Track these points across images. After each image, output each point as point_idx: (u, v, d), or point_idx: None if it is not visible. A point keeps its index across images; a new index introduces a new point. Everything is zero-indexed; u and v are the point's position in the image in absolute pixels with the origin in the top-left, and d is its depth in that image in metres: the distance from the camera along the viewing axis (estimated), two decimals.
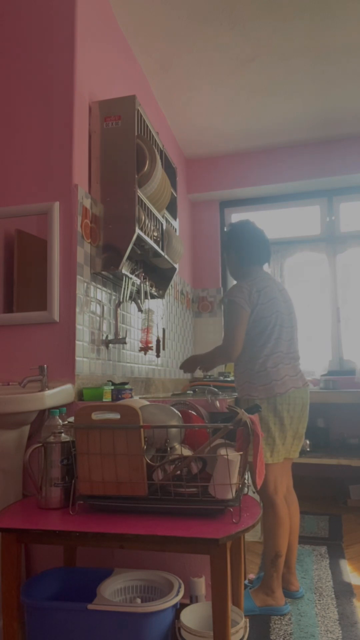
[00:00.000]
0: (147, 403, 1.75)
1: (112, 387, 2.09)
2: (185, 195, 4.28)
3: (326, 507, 3.56)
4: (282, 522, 2.04)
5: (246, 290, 2.07)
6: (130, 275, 2.44)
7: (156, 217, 2.55)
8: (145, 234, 2.35)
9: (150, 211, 2.46)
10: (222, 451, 1.46)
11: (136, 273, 2.58)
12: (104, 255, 2.25)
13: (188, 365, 2.30)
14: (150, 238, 2.43)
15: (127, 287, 2.51)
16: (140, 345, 2.65)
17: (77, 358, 2.08)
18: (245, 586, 2.12)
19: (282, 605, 2.02)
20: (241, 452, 1.49)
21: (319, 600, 2.11)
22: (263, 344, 2.07)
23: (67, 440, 1.64)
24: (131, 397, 2.09)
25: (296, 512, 2.20)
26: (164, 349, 3.02)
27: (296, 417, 2.09)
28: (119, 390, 2.07)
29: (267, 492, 2.06)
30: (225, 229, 2.22)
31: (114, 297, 2.51)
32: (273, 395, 2.03)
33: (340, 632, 1.85)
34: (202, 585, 1.82)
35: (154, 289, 2.84)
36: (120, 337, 2.50)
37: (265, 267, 2.30)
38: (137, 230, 2.22)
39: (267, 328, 2.07)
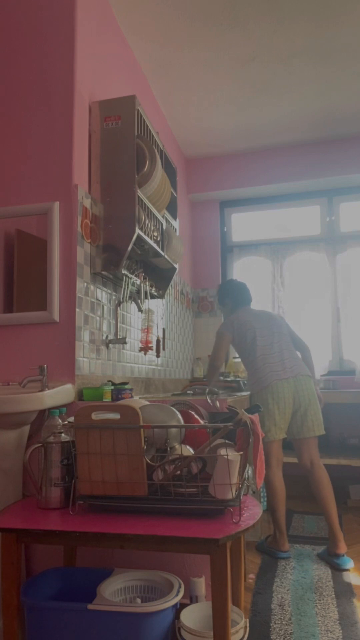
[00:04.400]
0: (147, 403, 1.75)
1: (112, 387, 2.08)
2: (185, 195, 4.28)
3: None
4: (271, 486, 2.62)
5: (230, 322, 2.82)
6: (130, 275, 2.44)
7: (156, 217, 2.55)
8: (145, 234, 2.35)
9: (150, 211, 2.46)
10: (222, 451, 1.46)
11: (136, 273, 2.58)
12: (104, 255, 2.25)
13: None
14: (150, 238, 2.43)
15: (127, 287, 2.51)
16: (140, 345, 2.65)
17: (77, 358, 2.08)
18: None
19: (282, 550, 2.58)
20: (241, 452, 1.49)
21: (319, 600, 2.11)
22: (249, 352, 2.74)
23: (67, 440, 1.64)
24: (131, 397, 2.09)
25: (320, 482, 2.59)
26: (164, 349, 3.02)
27: (283, 402, 2.60)
28: (119, 390, 2.07)
29: None
30: (219, 286, 3.11)
31: (114, 297, 2.51)
32: (259, 388, 2.65)
33: (341, 631, 1.85)
34: (202, 585, 1.82)
35: (154, 289, 2.84)
36: (120, 337, 2.50)
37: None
38: (137, 230, 2.22)
39: (247, 342, 2.74)
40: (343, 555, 2.46)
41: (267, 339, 2.73)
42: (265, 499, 3.50)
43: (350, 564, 2.43)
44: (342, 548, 2.47)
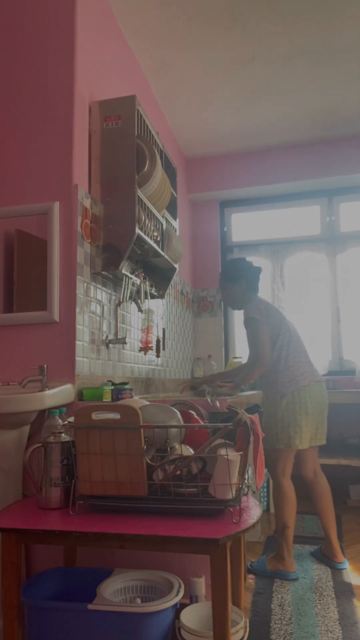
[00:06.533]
0: (147, 403, 1.75)
1: (112, 387, 2.08)
2: (185, 195, 4.28)
3: None
4: (287, 498, 2.38)
5: (259, 308, 2.45)
6: (130, 275, 2.44)
7: (156, 217, 2.55)
8: (145, 234, 2.35)
9: (150, 211, 2.46)
10: (222, 451, 1.46)
11: (136, 273, 2.58)
12: (104, 255, 2.25)
13: (207, 380, 2.58)
14: (150, 238, 2.43)
15: (127, 287, 2.51)
16: (140, 345, 2.65)
17: (77, 358, 2.08)
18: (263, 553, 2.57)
19: (291, 572, 2.32)
20: (241, 452, 1.49)
21: (319, 600, 2.11)
22: (280, 347, 2.43)
23: (67, 440, 1.64)
24: (131, 397, 2.09)
25: (323, 493, 2.49)
26: (164, 349, 3.02)
27: (318, 406, 2.40)
28: (119, 390, 2.07)
29: (275, 473, 2.42)
30: (227, 264, 2.69)
31: (114, 297, 2.51)
32: (298, 388, 2.37)
33: (341, 632, 1.85)
34: (202, 585, 1.82)
35: (154, 289, 2.84)
36: (120, 337, 2.50)
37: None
38: (137, 230, 2.22)
39: (279, 335, 2.44)
40: (338, 562, 2.46)
41: (296, 335, 2.50)
42: (269, 504, 3.49)
43: (345, 564, 2.44)
44: (340, 558, 2.44)
